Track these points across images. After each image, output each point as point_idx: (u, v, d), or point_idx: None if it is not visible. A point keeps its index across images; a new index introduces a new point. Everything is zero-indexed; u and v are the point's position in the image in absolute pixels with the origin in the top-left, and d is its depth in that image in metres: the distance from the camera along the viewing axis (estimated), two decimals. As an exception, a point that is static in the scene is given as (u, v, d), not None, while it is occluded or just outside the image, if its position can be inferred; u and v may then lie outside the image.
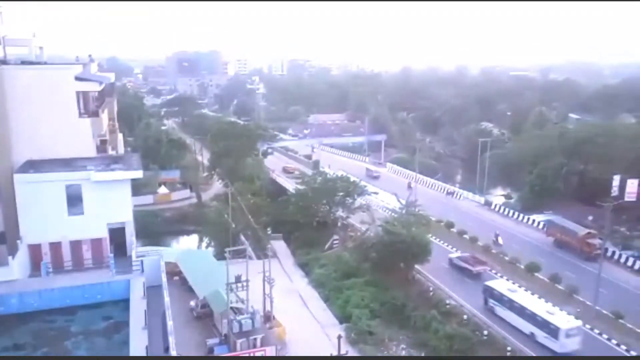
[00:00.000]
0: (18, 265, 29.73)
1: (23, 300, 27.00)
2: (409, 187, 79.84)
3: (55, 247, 32.23)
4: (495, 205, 75.71)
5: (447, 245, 59.65)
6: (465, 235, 62.33)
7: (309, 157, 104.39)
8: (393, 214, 59.66)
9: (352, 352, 39.65)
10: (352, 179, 71.60)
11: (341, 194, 67.46)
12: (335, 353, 29.40)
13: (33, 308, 26.86)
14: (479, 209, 75.49)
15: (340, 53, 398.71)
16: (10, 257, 30.03)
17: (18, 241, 31.29)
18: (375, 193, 75.23)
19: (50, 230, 31.77)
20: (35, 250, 31.83)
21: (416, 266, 53.27)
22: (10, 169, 32.76)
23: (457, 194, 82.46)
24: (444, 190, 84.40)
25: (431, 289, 50.03)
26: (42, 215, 31.51)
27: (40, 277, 30.20)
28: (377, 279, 52.39)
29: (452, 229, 64.68)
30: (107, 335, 24.99)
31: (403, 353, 42.19)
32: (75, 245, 32.64)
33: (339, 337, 30.45)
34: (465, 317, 44.43)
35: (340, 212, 68.89)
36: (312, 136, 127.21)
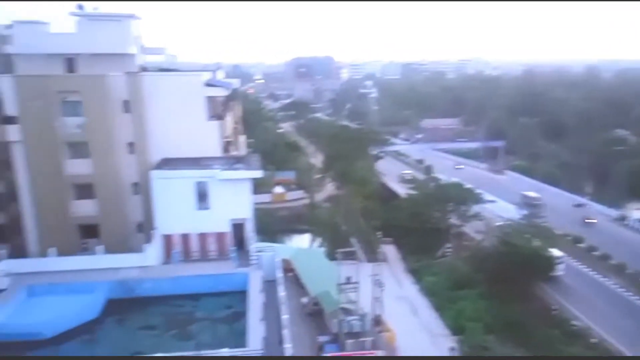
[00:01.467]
0: (153, 253, 32.75)
1: (156, 284, 29.67)
2: (525, 196, 74.64)
3: (185, 238, 35.00)
4: (632, 221, 68.11)
5: (575, 262, 54.94)
6: (594, 252, 56.92)
7: (420, 161, 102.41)
8: (512, 224, 56.34)
9: (464, 365, 38.04)
10: (467, 186, 68.89)
11: (455, 201, 65.20)
12: (446, 364, 28.42)
13: (164, 292, 29.38)
14: (611, 224, 68.44)
15: (456, 55, 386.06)
16: (146, 245, 33.25)
17: (153, 231, 34.49)
18: (493, 202, 71.60)
19: (180, 223, 34.56)
20: (167, 241, 34.82)
21: (539, 282, 49.77)
22: (148, 166, 36.25)
23: (585, 206, 75.61)
24: (572, 201, 77.84)
25: (554, 307, 46.34)
26: (174, 209, 34.41)
27: (171, 265, 32.98)
28: (493, 291, 49.67)
29: (579, 245, 59.41)
30: (227, 323, 26.58)
31: (520, 372, 39.57)
32: (202, 237, 35.17)
33: (452, 349, 29.29)
34: (594, 340, 40.53)
35: (453, 220, 66.62)
36: (424, 141, 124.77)
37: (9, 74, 35.77)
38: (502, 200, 75.26)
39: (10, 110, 35.21)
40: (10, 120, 35.26)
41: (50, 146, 35.04)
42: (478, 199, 66.53)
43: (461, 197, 65.22)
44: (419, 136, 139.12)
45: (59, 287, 28.46)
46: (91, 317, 26.44)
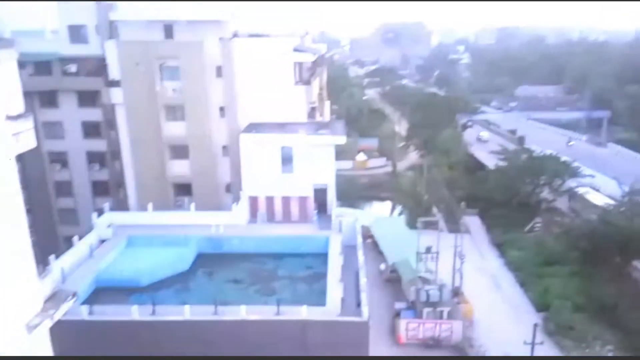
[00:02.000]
0: (240, 213, 34.40)
1: (243, 242, 31.27)
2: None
3: (269, 200, 36.32)
4: None
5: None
6: None
7: (513, 132, 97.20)
8: (611, 201, 52.35)
9: (548, 343, 36.64)
10: (563, 158, 64.62)
11: (549, 174, 61.53)
12: (528, 341, 27.54)
13: (250, 250, 30.91)
14: None
15: (557, 18, 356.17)
16: (234, 205, 34.98)
17: (241, 192, 36.12)
18: (592, 176, 66.67)
19: (266, 186, 35.85)
20: (253, 202, 36.35)
21: (636, 263, 46.26)
22: (237, 129, 37.70)
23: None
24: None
25: (653, 291, 43.01)
26: (260, 172, 35.72)
27: (256, 225, 34.51)
28: (585, 270, 46.91)
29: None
30: (307, 283, 27.53)
31: (609, 354, 37.46)
32: (286, 200, 36.31)
33: (535, 325, 28.36)
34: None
35: (545, 194, 63.11)
36: (519, 109, 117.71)
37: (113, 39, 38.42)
38: (602, 174, 69.83)
39: (115, 74, 38.00)
40: (114, 83, 38.13)
41: (149, 109, 37.53)
42: (575, 173, 62.28)
43: (555, 170, 61.40)
44: (513, 104, 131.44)
45: (155, 239, 30.88)
46: (183, 269, 28.54)
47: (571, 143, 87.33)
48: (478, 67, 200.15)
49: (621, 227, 44.12)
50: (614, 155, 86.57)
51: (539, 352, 28.17)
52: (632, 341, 38.45)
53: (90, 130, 43.71)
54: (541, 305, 43.02)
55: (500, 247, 55.80)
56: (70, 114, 42.70)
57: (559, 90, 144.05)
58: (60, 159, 44.35)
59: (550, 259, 49.62)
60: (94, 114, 43.04)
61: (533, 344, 27.31)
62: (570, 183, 62.30)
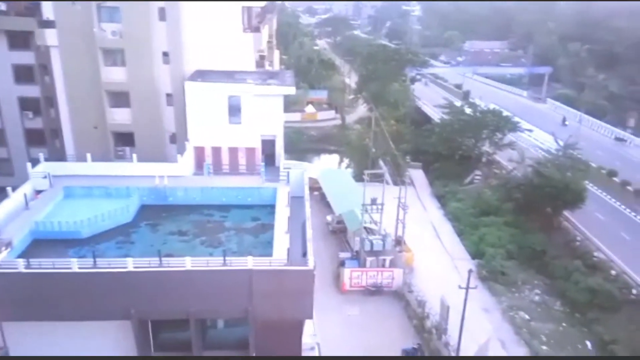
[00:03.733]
0: (185, 164, 33.71)
1: (188, 194, 30.77)
2: (563, 123, 72.45)
3: (216, 151, 35.71)
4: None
5: (605, 196, 54.09)
6: (629, 187, 55.67)
7: (459, 86, 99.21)
8: (547, 154, 55.18)
9: (481, 288, 39.21)
10: (505, 113, 66.93)
11: (491, 128, 63.73)
12: (463, 285, 29.30)
13: (195, 202, 30.51)
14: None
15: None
16: (179, 155, 34.21)
17: (186, 142, 35.27)
18: (530, 130, 69.68)
19: (212, 136, 35.08)
20: (199, 152, 35.62)
21: (565, 213, 49.54)
22: (182, 77, 36.33)
23: (628, 141, 72.82)
24: (612, 134, 75.05)
25: (578, 238, 46.42)
26: (206, 121, 34.84)
27: (202, 176, 34.01)
28: (518, 220, 49.90)
29: (614, 178, 58.10)
30: (254, 234, 27.69)
31: (536, 298, 40.60)
32: (233, 151, 35.81)
33: (470, 271, 30.11)
34: (613, 272, 40.83)
35: (486, 148, 65.59)
36: (466, 64, 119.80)
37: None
38: (540, 129, 73.17)
39: (49, 13, 35.31)
40: (48, 24, 35.43)
41: (87, 52, 35.33)
42: (514, 127, 64.86)
43: (497, 124, 63.66)
44: (461, 59, 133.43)
45: (95, 190, 29.88)
46: (125, 221, 27.90)
47: (566, 122, 79.49)
48: (430, 20, 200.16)
49: (553, 179, 46.77)
50: (552, 111, 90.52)
51: (472, 295, 30.02)
52: (557, 285, 41.81)
53: (23, 74, 41.02)
54: (476, 253, 45.69)
55: (442, 198, 58.10)
56: (0, 57, 39.80)
57: (505, 46, 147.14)
58: (-11, 104, 41.60)
59: (487, 210, 52.31)
60: (26, 57, 40.40)
61: (467, 288, 29.08)
62: (511, 137, 64.93)
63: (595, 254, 43.53)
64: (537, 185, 48.29)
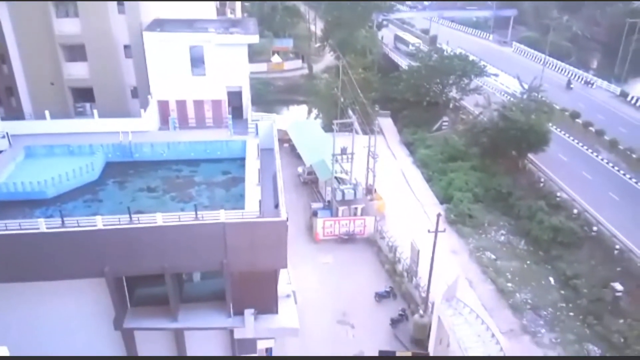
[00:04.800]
0: (149, 118, 32.71)
1: (154, 149, 30.02)
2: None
3: (181, 105, 34.71)
4: (633, 98, 67.31)
5: (569, 137, 55.60)
6: (590, 128, 57.27)
7: (426, 31, 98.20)
8: (512, 98, 55.88)
9: (449, 231, 40.43)
10: (471, 57, 66.94)
11: (458, 73, 63.80)
12: (432, 230, 30.09)
13: (162, 158, 29.82)
14: (614, 101, 67.75)
15: None
16: (142, 110, 33.13)
17: (149, 97, 34.12)
18: (496, 75, 70.11)
19: (176, 89, 33.98)
20: (163, 107, 34.56)
21: (530, 155, 50.83)
22: (139, 27, 34.62)
23: (590, 82, 74.18)
24: (576, 76, 76.28)
25: (542, 179, 47.96)
26: (168, 74, 33.65)
27: (168, 131, 33.19)
28: (484, 164, 51.07)
29: (577, 120, 59.58)
30: (225, 187, 27.47)
31: (502, 239, 42.20)
32: (198, 104, 34.88)
33: (438, 215, 30.85)
34: (575, 211, 42.59)
35: (453, 93, 65.90)
36: (432, 8, 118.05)
37: None
38: (505, 73, 73.73)
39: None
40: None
41: (35, 3, 33.15)
42: (481, 72, 65.11)
43: (464, 69, 63.73)
44: (427, 3, 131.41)
45: (57, 149, 28.84)
46: (91, 179, 27.18)
47: (571, 86, 73.10)
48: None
49: (518, 121, 47.61)
50: (517, 54, 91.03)
51: (441, 238, 30.93)
52: (522, 225, 43.41)
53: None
54: (445, 198, 46.82)
55: (411, 146, 58.72)
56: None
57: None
58: None
59: (455, 155, 53.27)
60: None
61: (436, 232, 29.89)
62: (477, 82, 65.27)
63: (559, 194, 45.15)
64: (502, 129, 49.11)
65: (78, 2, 33.51)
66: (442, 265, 34.06)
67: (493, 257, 39.67)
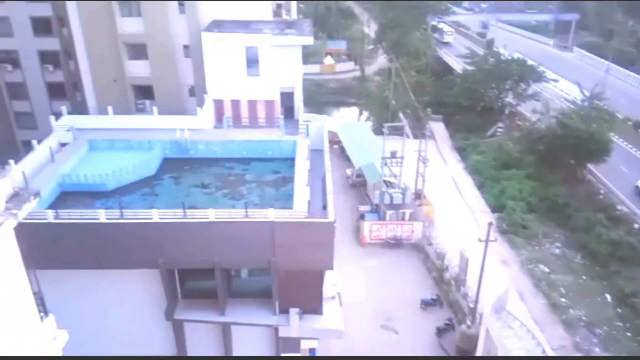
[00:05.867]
0: (205, 117, 33.63)
1: (209, 147, 30.85)
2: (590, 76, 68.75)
3: (235, 104, 35.48)
4: None
5: (631, 148, 52.89)
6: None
7: (482, 35, 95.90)
8: (572, 105, 53.69)
9: (500, 241, 39.29)
10: (529, 62, 64.83)
11: (515, 78, 61.94)
12: (482, 239, 29.31)
13: (216, 155, 30.62)
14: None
15: None
16: (198, 109, 34.10)
17: (205, 95, 35.06)
18: (555, 80, 67.58)
19: (231, 88, 34.77)
20: (218, 105, 35.44)
21: (589, 166, 48.70)
22: (198, 27, 35.66)
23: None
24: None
25: (602, 191, 45.80)
26: (224, 74, 34.47)
27: (222, 129, 33.98)
28: (540, 173, 49.32)
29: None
30: (275, 186, 27.86)
31: (556, 251, 40.59)
32: (252, 104, 35.53)
33: (490, 223, 30.02)
34: (636, 226, 40.46)
35: (509, 99, 64.03)
36: (489, 11, 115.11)
37: None
38: (565, 79, 70.92)
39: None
40: (61, -25, 34.84)
41: (102, 3, 34.80)
42: (539, 77, 62.93)
43: (521, 74, 61.80)
44: (484, 5, 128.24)
45: (118, 143, 30.15)
46: (149, 174, 28.24)
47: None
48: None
49: (578, 130, 45.70)
50: (578, 60, 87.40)
51: (491, 248, 30.09)
52: (578, 238, 41.61)
53: (41, 26, 40.77)
54: (497, 206, 45.50)
55: (463, 151, 57.46)
56: (17, 8, 39.55)
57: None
58: (11, 58, 41.70)
59: (508, 163, 51.70)
60: (44, 9, 39.96)
61: (487, 240, 29.10)
62: (535, 87, 63.16)
63: (619, 207, 43.03)
64: (560, 137, 47.32)
65: (141, 2, 34.89)
66: (491, 276, 33.15)
67: (546, 270, 38.20)
